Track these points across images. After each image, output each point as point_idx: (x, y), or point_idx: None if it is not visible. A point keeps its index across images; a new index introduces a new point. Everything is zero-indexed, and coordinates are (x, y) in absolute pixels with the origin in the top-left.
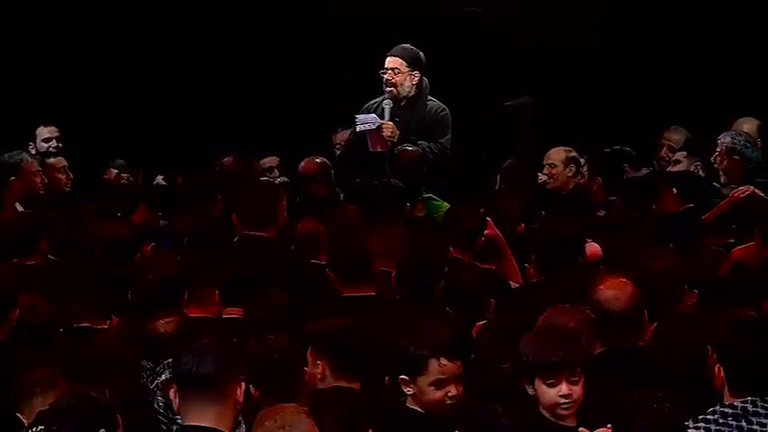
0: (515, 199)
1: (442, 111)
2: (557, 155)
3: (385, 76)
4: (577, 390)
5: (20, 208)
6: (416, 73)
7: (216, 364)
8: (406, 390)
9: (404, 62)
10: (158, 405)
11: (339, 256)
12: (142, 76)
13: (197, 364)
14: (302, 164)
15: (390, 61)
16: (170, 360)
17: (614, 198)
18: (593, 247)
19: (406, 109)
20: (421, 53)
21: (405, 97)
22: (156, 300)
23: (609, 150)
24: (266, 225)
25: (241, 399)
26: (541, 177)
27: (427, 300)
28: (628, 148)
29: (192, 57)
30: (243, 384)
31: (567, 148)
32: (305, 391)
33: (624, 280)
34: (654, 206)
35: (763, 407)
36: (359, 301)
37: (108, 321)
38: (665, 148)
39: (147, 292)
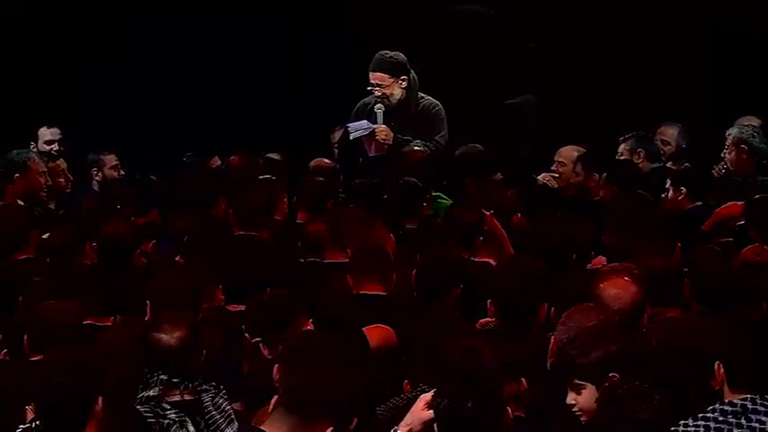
0: (509, 191)
1: (435, 107)
2: (567, 153)
3: (374, 91)
4: (580, 400)
5: None
6: (403, 77)
7: (316, 396)
8: None
9: (386, 75)
10: (143, 407)
11: (357, 255)
12: (142, 76)
13: (300, 388)
14: (313, 163)
15: (374, 77)
16: (164, 377)
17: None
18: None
19: (398, 110)
20: (400, 55)
21: (398, 100)
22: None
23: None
24: (260, 225)
25: None
26: (545, 176)
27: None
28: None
29: (192, 55)
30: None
31: (579, 148)
32: None
33: (627, 278)
34: (661, 203)
35: (762, 405)
36: (372, 300)
37: (112, 319)
38: (658, 143)
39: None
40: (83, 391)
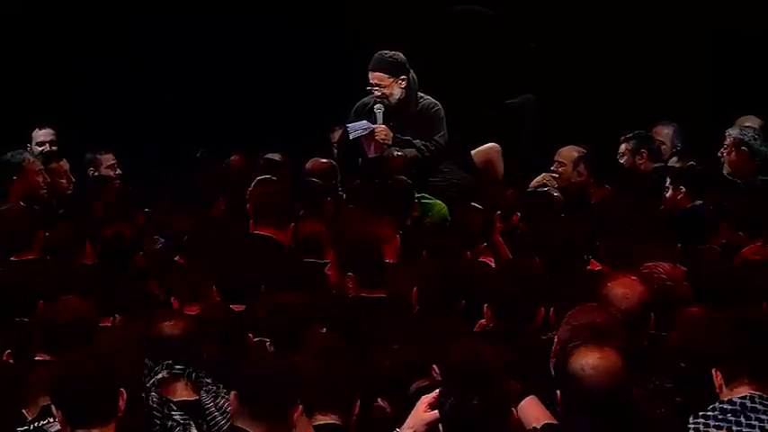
0: (509, 191)
1: (434, 107)
2: (567, 153)
3: (374, 91)
4: None
5: None
6: (402, 77)
7: (280, 390)
8: None
9: (385, 74)
10: (152, 401)
11: (355, 256)
12: (142, 76)
13: (261, 387)
14: (309, 163)
15: (373, 77)
16: (169, 361)
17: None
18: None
19: (398, 110)
20: (400, 55)
21: (398, 100)
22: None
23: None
24: (280, 226)
25: (295, 421)
26: (545, 176)
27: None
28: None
29: (192, 55)
30: (300, 407)
31: (579, 148)
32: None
33: (634, 278)
34: (661, 203)
35: (761, 403)
36: (373, 302)
37: (111, 318)
38: None
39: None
40: (107, 386)
